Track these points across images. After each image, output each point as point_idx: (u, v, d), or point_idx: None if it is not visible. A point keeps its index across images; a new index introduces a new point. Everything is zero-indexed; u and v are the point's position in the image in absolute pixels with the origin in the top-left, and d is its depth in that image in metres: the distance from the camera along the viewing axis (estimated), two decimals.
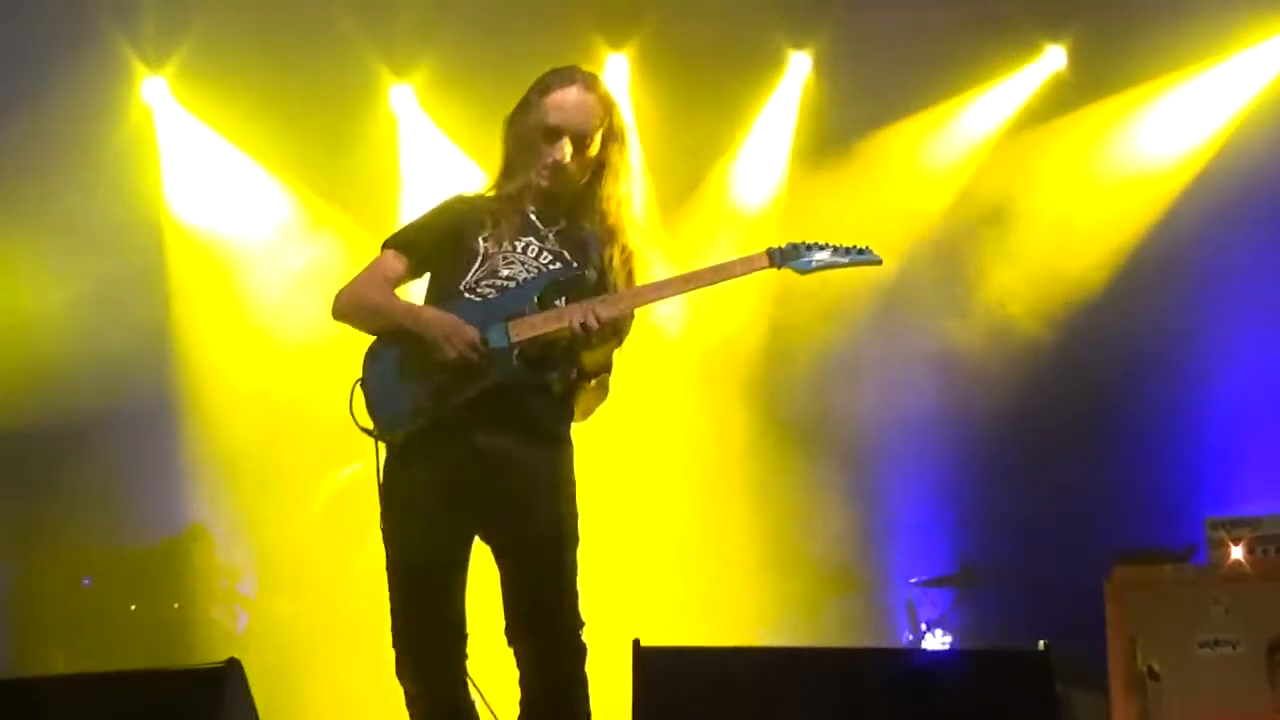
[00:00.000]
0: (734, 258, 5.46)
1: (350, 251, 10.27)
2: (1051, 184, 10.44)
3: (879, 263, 5.48)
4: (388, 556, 5.45)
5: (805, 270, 5.42)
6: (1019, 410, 10.22)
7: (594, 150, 5.57)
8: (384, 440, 5.45)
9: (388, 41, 10.45)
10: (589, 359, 5.44)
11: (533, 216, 5.58)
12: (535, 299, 5.39)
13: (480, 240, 5.54)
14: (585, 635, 5.40)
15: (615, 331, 5.39)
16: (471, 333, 5.32)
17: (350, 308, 5.65)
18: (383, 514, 5.45)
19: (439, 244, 5.62)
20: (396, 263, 5.65)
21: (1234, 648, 8.76)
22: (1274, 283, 9.90)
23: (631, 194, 5.67)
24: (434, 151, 10.78)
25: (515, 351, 5.32)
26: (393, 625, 5.44)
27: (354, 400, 5.48)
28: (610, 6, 10.28)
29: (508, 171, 5.64)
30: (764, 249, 5.41)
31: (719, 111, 10.75)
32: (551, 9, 10.16)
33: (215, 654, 9.69)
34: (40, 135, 10.00)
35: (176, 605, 10.05)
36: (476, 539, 5.48)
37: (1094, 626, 9.11)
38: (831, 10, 10.30)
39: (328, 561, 9.62)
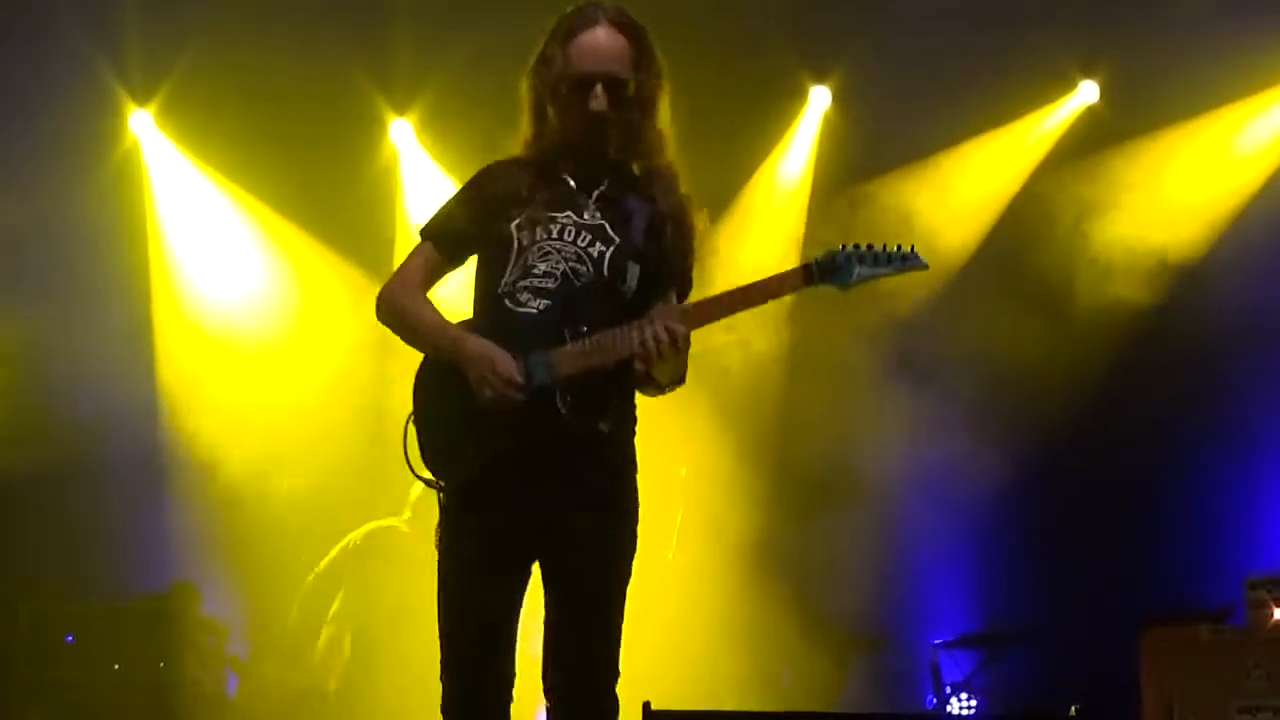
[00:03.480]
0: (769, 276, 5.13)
1: (344, 291, 10.28)
2: (1080, 223, 10.39)
3: (925, 267, 5.12)
4: (439, 600, 5.25)
5: (846, 287, 5.09)
6: (1049, 463, 10.18)
7: (631, 90, 5.20)
8: (438, 489, 5.22)
9: (386, 76, 10.42)
10: (663, 372, 5.12)
11: (570, 181, 5.23)
12: (579, 323, 5.08)
13: (513, 226, 5.21)
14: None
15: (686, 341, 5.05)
16: (509, 368, 5.02)
17: (389, 318, 5.37)
18: (439, 559, 5.25)
19: (473, 229, 5.30)
20: (432, 255, 5.38)
21: (1275, 714, 8.71)
22: None
23: (670, 131, 5.30)
24: (432, 186, 10.74)
25: (560, 393, 5.05)
26: (443, 677, 5.23)
27: (407, 438, 5.22)
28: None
29: (537, 132, 5.28)
30: (799, 265, 5.09)
31: (736, 145, 10.71)
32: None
33: (203, 718, 9.67)
34: (29, 165, 9.97)
35: (162, 664, 9.97)
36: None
37: (1127, 690, 9.06)
38: (855, 42, 10.25)
39: (324, 622, 9.52)
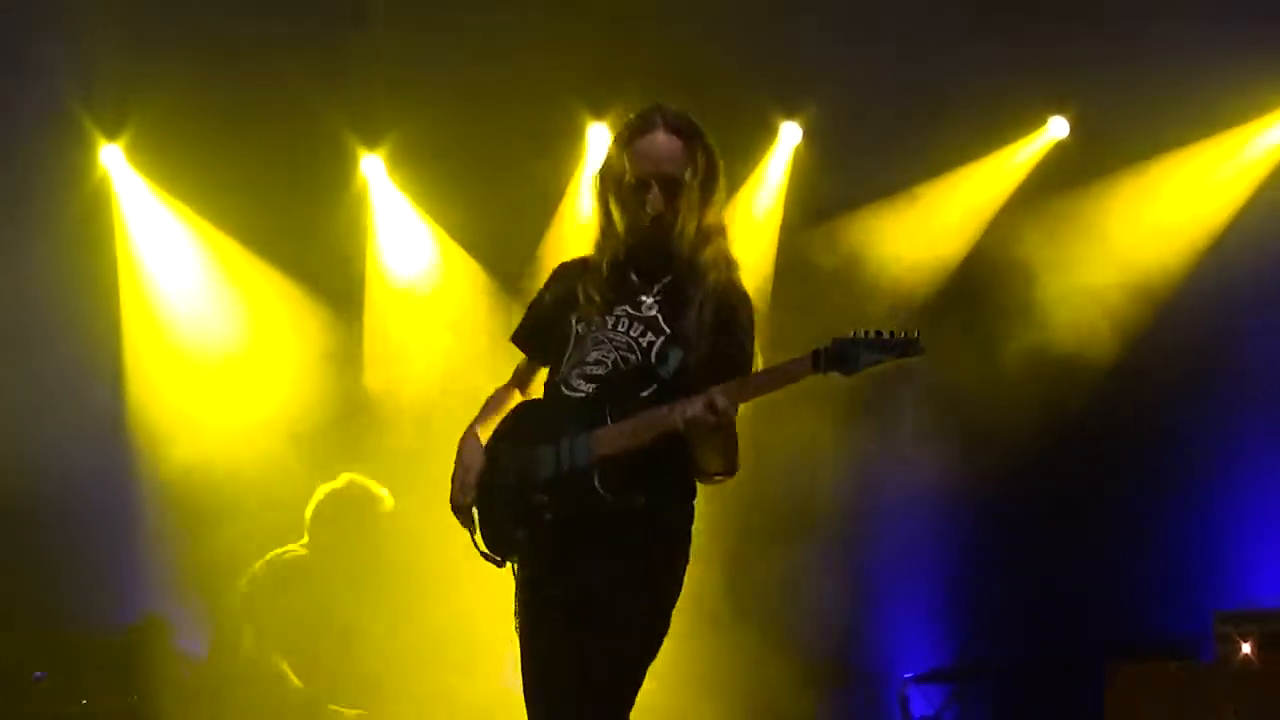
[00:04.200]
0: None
1: (316, 327, 10.34)
2: (1050, 260, 10.44)
3: (923, 353, 5.13)
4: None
5: (851, 373, 5.14)
6: (1019, 497, 10.21)
7: (689, 190, 5.42)
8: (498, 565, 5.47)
9: (356, 111, 10.47)
10: (709, 459, 5.31)
11: (634, 277, 5.47)
12: (621, 405, 5.29)
13: (573, 320, 5.49)
14: None
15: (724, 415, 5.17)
16: (467, 479, 5.44)
17: None
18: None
19: (545, 328, 5.60)
20: (522, 357, 5.75)
21: None
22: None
23: (725, 221, 5.55)
24: (403, 222, 10.86)
25: (598, 473, 5.23)
26: None
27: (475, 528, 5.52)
28: (591, 75, 10.27)
29: (604, 231, 5.54)
30: (809, 352, 5.13)
31: None
32: (529, 77, 10.13)
33: None
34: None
35: (134, 698, 9.94)
36: None
37: None
38: (825, 80, 10.30)
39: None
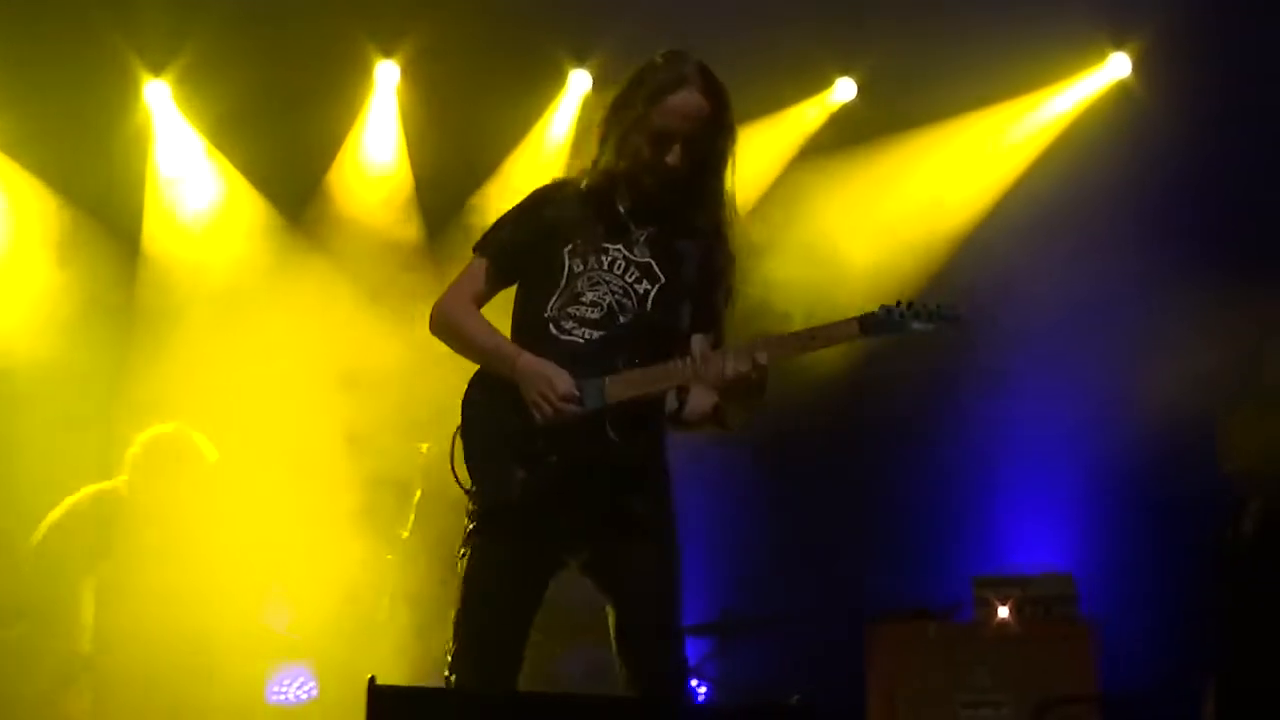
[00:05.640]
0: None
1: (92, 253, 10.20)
2: (831, 217, 10.53)
3: (962, 326, 5.41)
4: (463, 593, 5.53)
5: (897, 335, 5.37)
6: (782, 459, 10.30)
7: (705, 150, 5.51)
8: (482, 507, 5.42)
9: (140, 37, 10.23)
10: (737, 413, 5.45)
11: (625, 214, 5.53)
12: (628, 354, 5.35)
13: (566, 252, 5.48)
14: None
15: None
16: (567, 385, 5.29)
17: (443, 331, 5.62)
18: (467, 559, 5.48)
19: (527, 248, 5.56)
20: (488, 271, 5.62)
21: (998, 709, 8.93)
22: (1048, 340, 10.09)
23: (734, 188, 5.63)
24: (186, 149, 10.68)
25: (611, 418, 5.28)
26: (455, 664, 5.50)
27: (455, 455, 5.46)
28: (379, 10, 10.19)
29: (605, 162, 5.55)
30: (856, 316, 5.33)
31: (495, 127, 10.73)
32: (317, 9, 10.01)
33: None
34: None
35: None
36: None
37: (856, 682, 9.24)
38: (615, 29, 10.29)
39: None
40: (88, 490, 9.08)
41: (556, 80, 10.80)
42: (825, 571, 10.19)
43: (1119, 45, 10.29)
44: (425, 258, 10.52)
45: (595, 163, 5.59)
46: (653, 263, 5.49)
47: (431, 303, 5.68)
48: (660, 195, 5.47)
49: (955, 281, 10.23)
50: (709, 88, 5.51)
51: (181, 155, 10.70)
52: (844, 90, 10.76)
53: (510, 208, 5.74)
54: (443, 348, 5.70)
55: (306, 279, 10.13)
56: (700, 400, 5.41)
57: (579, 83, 10.79)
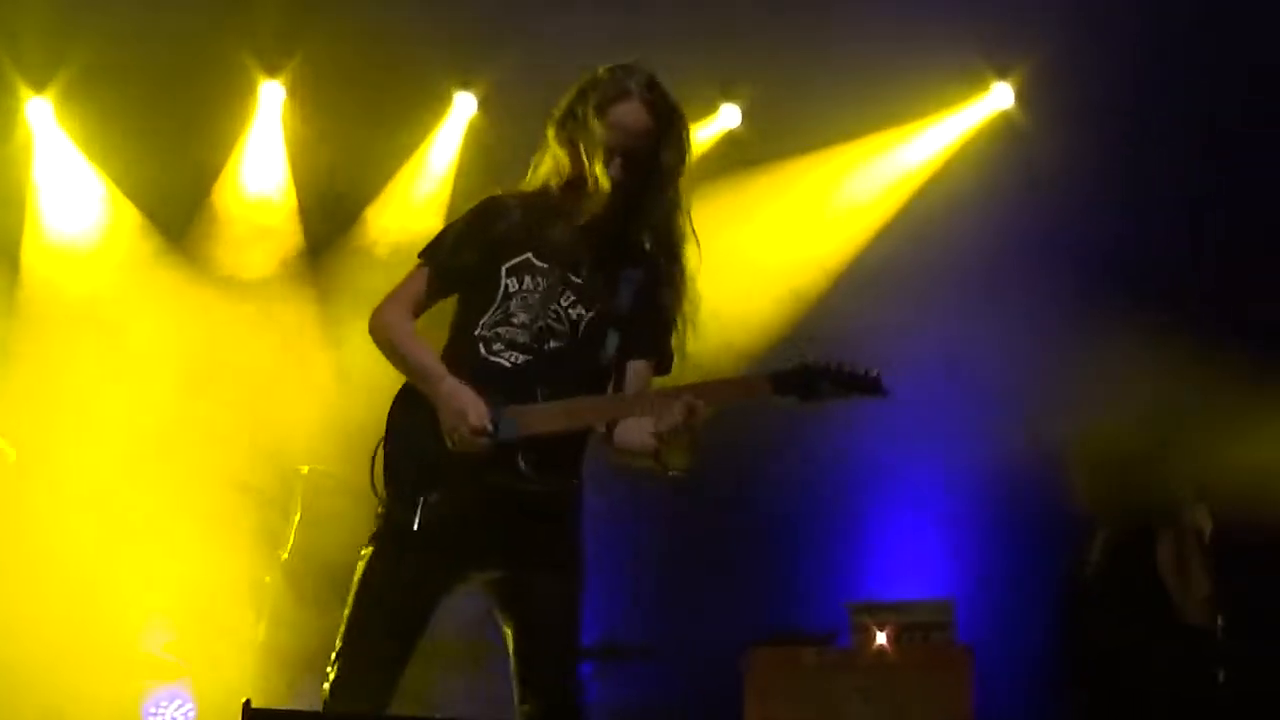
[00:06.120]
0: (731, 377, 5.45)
1: None
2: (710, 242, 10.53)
3: (885, 395, 5.31)
4: (356, 596, 5.41)
5: (808, 401, 5.28)
6: (660, 486, 10.25)
7: (650, 166, 5.39)
8: (397, 524, 5.30)
9: (22, 53, 10.17)
10: (678, 458, 5.34)
11: (567, 233, 5.39)
12: (551, 385, 5.25)
13: (504, 270, 5.38)
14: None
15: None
16: (480, 417, 5.17)
17: (381, 339, 5.50)
18: (367, 563, 5.39)
19: (469, 261, 5.44)
20: (431, 283, 5.50)
21: None
22: (921, 370, 10.15)
23: (687, 199, 5.51)
24: (68, 167, 10.62)
25: (522, 451, 5.19)
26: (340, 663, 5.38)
27: (375, 466, 5.36)
28: (263, 29, 10.15)
29: (550, 175, 5.43)
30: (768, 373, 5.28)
31: (381, 148, 10.74)
32: (204, 26, 9.96)
33: None
34: None
35: None
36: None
37: (734, 708, 9.25)
38: (501, 54, 10.29)
39: None
40: None
41: (442, 102, 10.80)
42: (708, 599, 10.21)
43: (1002, 75, 10.36)
44: (308, 278, 10.49)
45: (536, 174, 5.50)
46: (590, 287, 5.40)
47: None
48: (603, 213, 5.35)
49: (823, 315, 10.28)
50: (654, 102, 5.41)
51: (63, 173, 10.64)
52: (728, 117, 10.80)
53: (458, 217, 5.66)
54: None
55: (186, 298, 10.11)
56: (631, 432, 5.36)
57: (464, 105, 10.79)
